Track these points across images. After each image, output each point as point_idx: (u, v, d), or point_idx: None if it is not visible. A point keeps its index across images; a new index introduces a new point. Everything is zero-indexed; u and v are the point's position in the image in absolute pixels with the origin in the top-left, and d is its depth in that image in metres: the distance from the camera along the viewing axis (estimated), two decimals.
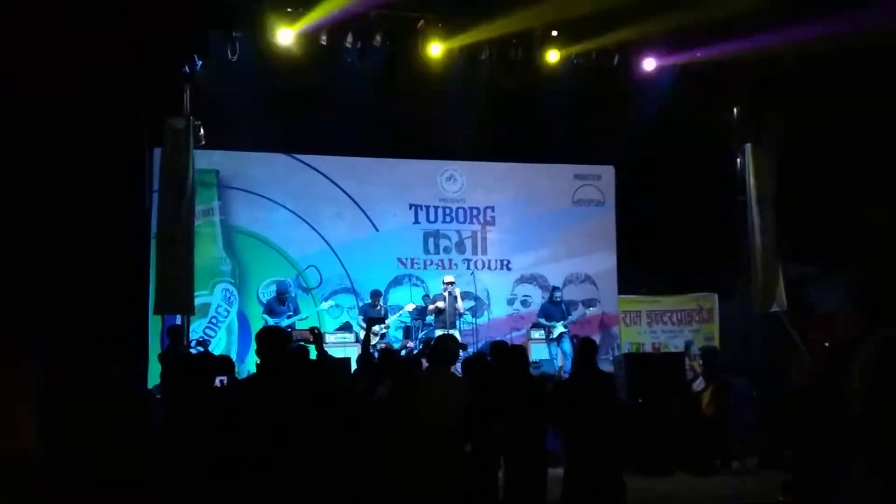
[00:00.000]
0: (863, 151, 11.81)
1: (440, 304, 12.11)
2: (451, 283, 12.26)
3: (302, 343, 9.31)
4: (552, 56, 12.35)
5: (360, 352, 8.06)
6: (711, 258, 13.19)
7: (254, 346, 6.17)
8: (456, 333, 11.92)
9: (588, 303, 13.87)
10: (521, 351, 7.09)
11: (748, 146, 13.16)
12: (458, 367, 6.89)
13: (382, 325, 11.96)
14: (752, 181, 13.00)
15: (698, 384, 9.90)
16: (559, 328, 12.65)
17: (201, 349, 10.82)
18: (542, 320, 12.83)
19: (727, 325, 13.68)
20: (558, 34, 12.23)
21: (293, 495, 5.13)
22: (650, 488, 8.41)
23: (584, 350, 6.70)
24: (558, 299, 12.98)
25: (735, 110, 13.56)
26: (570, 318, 12.88)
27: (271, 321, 11.38)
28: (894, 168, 11.84)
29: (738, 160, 13.42)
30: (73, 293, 10.39)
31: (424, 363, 7.23)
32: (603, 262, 14.22)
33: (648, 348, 13.59)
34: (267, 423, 5.07)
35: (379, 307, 12.35)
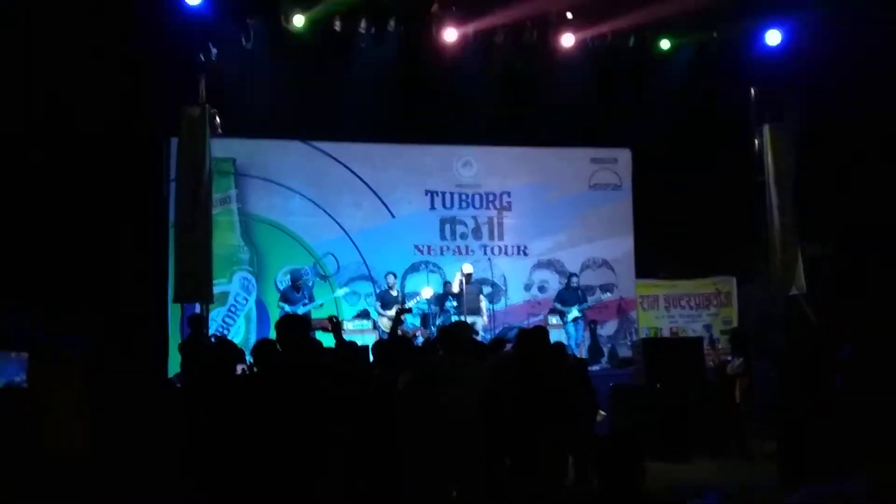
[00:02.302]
0: (882, 131, 11.70)
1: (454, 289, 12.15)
2: (470, 275, 12.25)
3: (319, 331, 9.40)
4: (567, 39, 12.26)
5: (386, 338, 8.04)
6: (730, 240, 13.12)
7: (273, 334, 6.21)
8: (479, 321, 11.94)
9: (605, 287, 13.80)
10: (540, 334, 7.01)
11: (766, 126, 13.03)
12: None
13: (387, 319, 11.90)
14: (770, 161, 12.89)
15: (737, 366, 9.70)
16: (574, 312, 12.65)
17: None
18: (559, 305, 12.84)
19: (746, 307, 13.61)
20: (573, 17, 12.14)
21: (317, 483, 5.17)
22: (669, 472, 8.39)
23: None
24: (575, 285, 12.98)
25: (753, 90, 13.41)
26: (585, 303, 12.86)
27: (288, 309, 11.44)
28: None
29: (757, 141, 13.29)
30: (92, 284, 10.49)
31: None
32: (620, 247, 14.14)
33: (666, 332, 13.54)
34: (288, 412, 5.10)
35: (396, 292, 12.37)
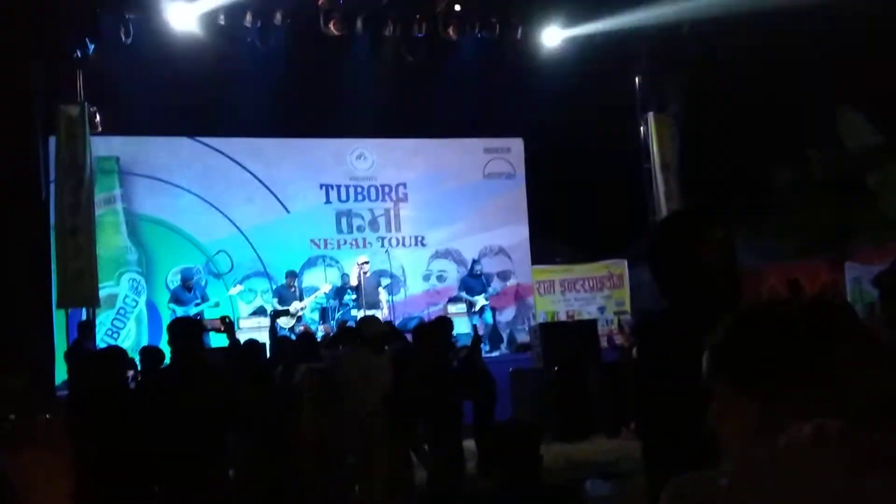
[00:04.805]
0: (762, 113, 12.26)
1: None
2: (366, 263, 12.18)
3: (213, 332, 9.19)
4: (456, 31, 12.32)
5: (269, 340, 7.95)
6: (621, 225, 13.48)
7: (165, 336, 6.05)
8: (378, 313, 11.89)
9: (503, 275, 14.00)
10: (434, 328, 7.05)
11: (651, 114, 13.48)
12: None
13: (290, 316, 11.75)
14: (655, 148, 13.33)
15: None
16: (481, 301, 12.73)
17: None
18: (464, 294, 12.87)
19: (638, 290, 14.02)
20: (461, 9, 12.22)
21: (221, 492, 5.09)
22: (568, 453, 8.60)
23: None
24: (478, 272, 13.05)
25: (637, 79, 13.82)
26: (490, 289, 12.98)
27: (179, 310, 11.14)
28: (791, 127, 12.36)
29: (642, 128, 13.71)
30: None
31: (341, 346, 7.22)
32: (516, 234, 14.36)
33: (563, 316, 13.81)
34: (184, 418, 4.98)
35: (294, 288, 12.20)
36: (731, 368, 1.34)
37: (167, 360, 6.14)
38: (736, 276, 2.16)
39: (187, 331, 5.60)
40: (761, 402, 1.29)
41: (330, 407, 6.02)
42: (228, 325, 6.37)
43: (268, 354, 7.64)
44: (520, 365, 10.93)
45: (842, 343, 1.32)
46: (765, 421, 1.27)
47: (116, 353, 6.35)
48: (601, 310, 13.72)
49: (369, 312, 11.55)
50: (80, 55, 10.91)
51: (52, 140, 10.93)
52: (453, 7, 12.23)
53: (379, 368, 6.33)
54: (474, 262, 13.29)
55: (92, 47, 10.94)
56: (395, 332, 7.50)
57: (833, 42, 11.49)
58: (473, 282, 12.98)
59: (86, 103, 10.82)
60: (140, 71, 11.33)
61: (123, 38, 10.91)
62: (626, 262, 14.21)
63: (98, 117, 11.03)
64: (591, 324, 11.47)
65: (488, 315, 12.84)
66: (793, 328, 1.33)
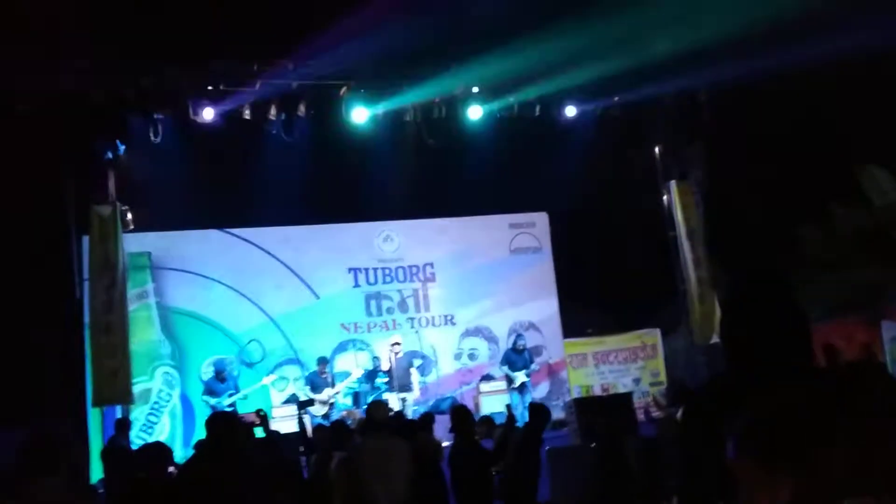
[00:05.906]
0: (782, 178, 12.25)
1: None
2: (397, 344, 12.15)
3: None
4: (475, 112, 12.57)
5: (300, 432, 7.92)
6: (651, 295, 13.41)
7: (198, 432, 6.05)
8: (409, 396, 11.80)
9: (535, 350, 13.87)
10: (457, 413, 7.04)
11: (673, 183, 13.53)
12: None
13: (322, 403, 11.67)
14: (679, 216, 13.34)
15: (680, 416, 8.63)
16: (521, 377, 12.41)
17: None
18: (506, 369, 12.57)
19: (672, 359, 13.86)
20: (479, 91, 12.48)
21: None
22: None
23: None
24: (521, 347, 12.72)
25: (657, 149, 13.93)
26: (532, 366, 12.75)
27: (212, 401, 11.12)
28: (815, 187, 12.34)
29: (665, 197, 13.75)
30: (6, 391, 10.07)
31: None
32: (545, 309, 14.29)
33: (598, 389, 13.62)
34: None
35: (326, 375, 12.18)
36: (761, 448, 1.33)
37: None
38: (811, 347, 2.17)
39: (227, 426, 5.60)
40: (792, 480, 1.27)
41: (356, 497, 5.94)
42: (263, 418, 6.39)
43: (300, 444, 7.59)
44: (556, 442, 10.73)
45: (876, 413, 1.31)
46: (797, 498, 1.25)
47: (158, 449, 6.39)
48: (636, 381, 13.55)
49: (401, 395, 11.53)
50: (111, 156, 11.24)
51: (86, 240, 11.18)
52: (471, 90, 12.50)
53: (398, 453, 6.25)
54: (518, 336, 13.02)
55: (122, 148, 11.28)
56: (401, 419, 7.45)
57: (852, 101, 11.55)
58: (516, 357, 12.65)
59: (117, 203, 11.11)
60: (169, 167, 11.63)
61: (153, 138, 11.24)
62: (658, 332, 14.09)
63: (129, 215, 11.30)
64: (627, 397, 11.31)
65: (528, 395, 12.52)
66: (820, 405, 1.32)
